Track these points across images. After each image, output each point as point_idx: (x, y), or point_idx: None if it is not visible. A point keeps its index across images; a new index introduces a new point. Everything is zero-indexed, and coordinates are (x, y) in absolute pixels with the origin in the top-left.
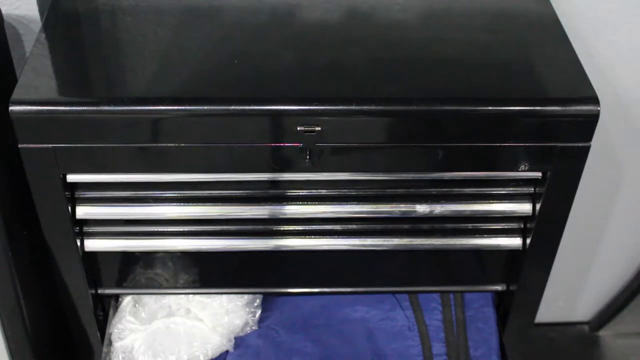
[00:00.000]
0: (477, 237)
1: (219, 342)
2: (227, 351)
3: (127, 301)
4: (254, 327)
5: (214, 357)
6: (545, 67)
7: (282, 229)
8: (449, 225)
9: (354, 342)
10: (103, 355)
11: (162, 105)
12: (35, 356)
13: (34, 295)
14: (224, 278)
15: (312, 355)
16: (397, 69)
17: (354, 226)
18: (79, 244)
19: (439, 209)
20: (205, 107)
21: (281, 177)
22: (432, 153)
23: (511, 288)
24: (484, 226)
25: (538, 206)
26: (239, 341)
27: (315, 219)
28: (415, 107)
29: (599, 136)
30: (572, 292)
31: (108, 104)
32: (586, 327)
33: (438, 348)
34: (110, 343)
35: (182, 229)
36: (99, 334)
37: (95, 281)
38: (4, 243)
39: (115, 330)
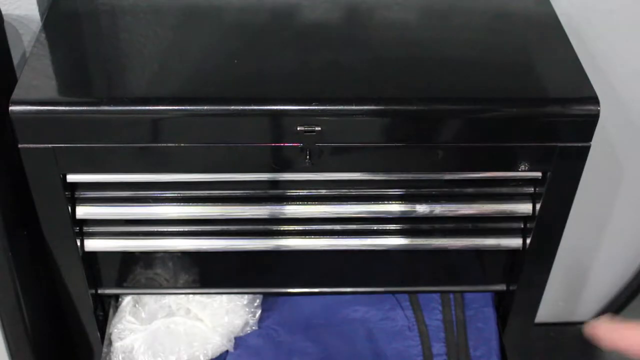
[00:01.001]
0: (477, 237)
1: (219, 342)
2: (227, 351)
3: (127, 301)
4: (254, 327)
5: (214, 357)
6: (545, 67)
7: (282, 229)
8: (449, 225)
9: (354, 342)
10: (103, 355)
11: (162, 105)
12: (35, 356)
13: (34, 295)
14: (224, 278)
15: (312, 355)
16: (397, 69)
17: (354, 226)
18: (79, 244)
19: (439, 209)
20: (205, 107)
21: (281, 177)
22: (432, 153)
23: (511, 288)
24: (484, 226)
25: (538, 206)
26: (239, 341)
27: (315, 219)
28: (415, 107)
29: (599, 136)
30: (572, 292)
31: (108, 104)
32: None
33: (438, 348)
34: (110, 343)
35: (182, 229)
36: (99, 334)
37: (95, 281)
38: (4, 243)
39: (115, 330)
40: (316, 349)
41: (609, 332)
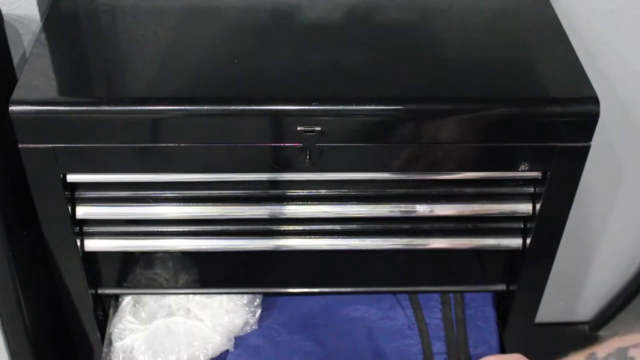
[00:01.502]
0: (477, 237)
1: (219, 341)
2: (227, 351)
3: (127, 301)
4: (254, 327)
5: (214, 356)
6: (545, 67)
7: (282, 229)
8: (449, 225)
9: (354, 341)
10: (103, 355)
11: (162, 105)
12: (35, 356)
13: (34, 295)
14: (224, 278)
15: (312, 355)
16: (397, 69)
17: (354, 226)
18: (79, 244)
19: (439, 209)
20: (205, 107)
21: (281, 177)
22: (432, 153)
23: (511, 288)
24: (484, 226)
25: (538, 206)
26: (239, 341)
27: (315, 219)
28: (414, 107)
29: (599, 136)
30: (572, 292)
31: (108, 104)
32: (586, 327)
33: (438, 347)
34: (110, 343)
35: (182, 229)
36: (99, 334)
37: (95, 281)
38: (4, 243)
39: (115, 330)
40: (316, 348)
41: None
